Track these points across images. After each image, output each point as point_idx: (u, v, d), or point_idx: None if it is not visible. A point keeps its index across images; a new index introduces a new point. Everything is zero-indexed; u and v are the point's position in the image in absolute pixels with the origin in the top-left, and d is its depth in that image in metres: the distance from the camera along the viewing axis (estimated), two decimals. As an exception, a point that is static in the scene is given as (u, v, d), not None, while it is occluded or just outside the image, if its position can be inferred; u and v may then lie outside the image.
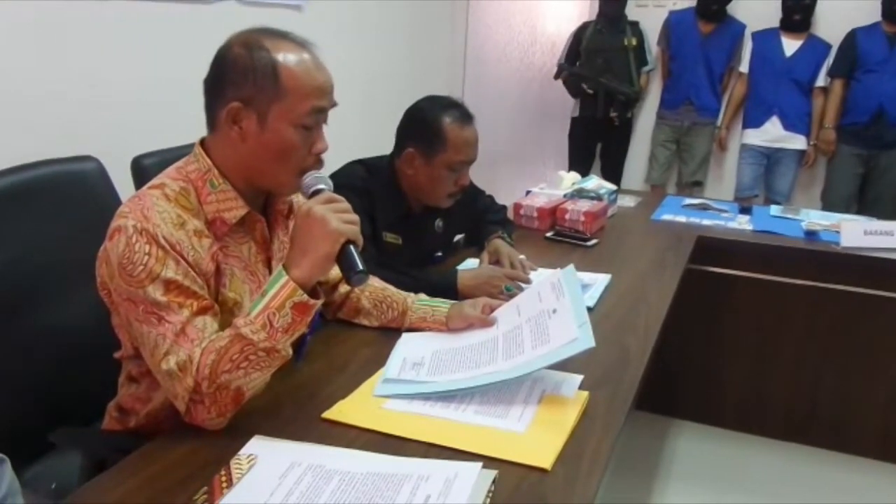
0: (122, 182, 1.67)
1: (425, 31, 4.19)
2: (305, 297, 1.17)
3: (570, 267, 1.57)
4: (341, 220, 1.20)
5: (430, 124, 1.94)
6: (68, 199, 1.56)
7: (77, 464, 1.36)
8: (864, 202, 4.40)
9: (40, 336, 1.44)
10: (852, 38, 4.37)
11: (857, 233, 2.61)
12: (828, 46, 4.48)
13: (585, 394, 1.35)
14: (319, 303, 1.21)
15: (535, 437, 1.21)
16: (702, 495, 2.56)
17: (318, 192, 1.26)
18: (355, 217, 1.23)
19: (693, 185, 4.89)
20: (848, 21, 4.40)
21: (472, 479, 1.07)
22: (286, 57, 1.23)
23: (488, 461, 1.13)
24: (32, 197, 1.49)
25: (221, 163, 1.28)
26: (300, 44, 1.27)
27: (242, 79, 1.23)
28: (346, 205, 1.24)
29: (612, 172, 4.70)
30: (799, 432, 2.86)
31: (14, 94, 2.04)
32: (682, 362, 2.90)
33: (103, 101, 2.28)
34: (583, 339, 1.32)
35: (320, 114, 1.28)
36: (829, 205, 4.30)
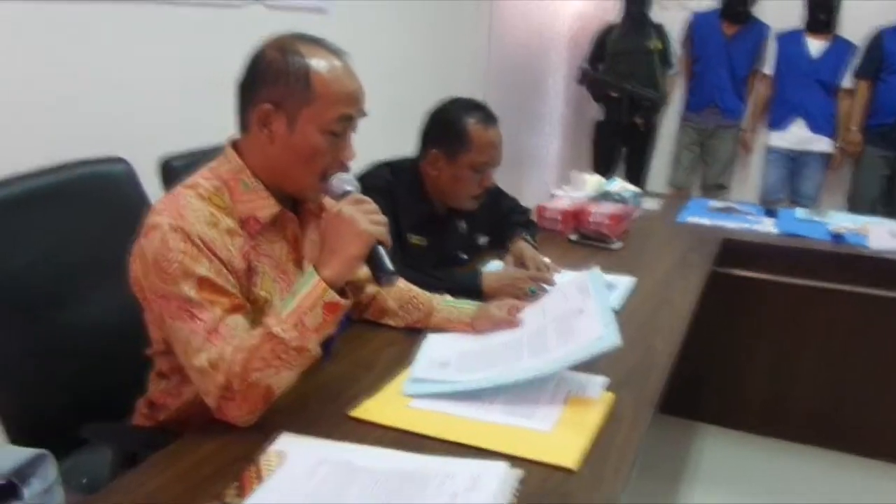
0: (150, 183, 1.69)
1: (448, 34, 4.20)
2: (336, 296, 1.19)
3: (597, 269, 1.58)
4: (370, 221, 1.22)
5: (453, 125, 1.96)
6: (98, 200, 1.59)
7: (106, 459, 1.38)
8: (892, 204, 4.35)
9: (70, 333, 1.46)
10: (878, 38, 4.32)
11: (884, 235, 2.58)
12: (854, 47, 4.44)
13: (611, 395, 1.36)
14: (349, 303, 1.22)
15: (561, 437, 1.22)
16: (726, 499, 2.54)
17: (346, 193, 1.28)
18: (383, 218, 1.26)
19: (717, 189, 4.85)
20: (874, 21, 4.36)
21: (498, 478, 1.07)
22: (319, 63, 1.26)
23: (514, 460, 1.13)
24: (63, 197, 1.52)
25: (251, 163, 1.30)
26: (334, 51, 1.30)
27: (275, 82, 1.25)
28: (374, 206, 1.26)
29: (636, 176, 4.68)
30: (824, 436, 2.83)
31: (45, 97, 2.07)
32: (707, 366, 2.88)
33: (131, 103, 2.31)
34: (609, 337, 1.32)
35: (349, 121, 1.29)
36: (855, 207, 4.25)
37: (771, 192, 4.70)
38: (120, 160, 1.66)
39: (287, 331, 1.15)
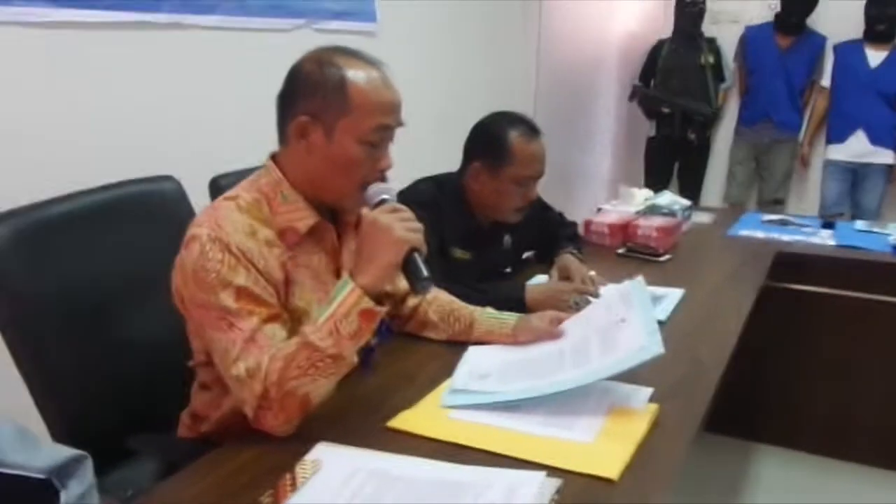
0: (199, 200, 1.73)
1: (497, 52, 4.22)
2: (371, 303, 1.19)
3: (639, 278, 1.56)
4: (406, 229, 1.22)
5: (496, 138, 1.95)
6: (148, 217, 1.62)
7: (151, 471, 1.40)
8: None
9: (119, 347, 1.49)
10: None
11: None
12: (916, 56, 4.31)
13: (655, 406, 1.32)
14: (385, 310, 1.22)
15: (603, 447, 1.19)
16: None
17: (382, 202, 1.29)
18: (419, 226, 1.25)
19: (774, 204, 4.74)
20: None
21: (536, 488, 1.06)
22: (356, 73, 1.27)
23: (554, 471, 1.11)
24: (115, 214, 1.56)
25: (291, 175, 1.31)
26: (370, 62, 1.31)
27: (312, 93, 1.27)
28: (409, 214, 1.26)
29: (691, 191, 4.60)
30: (889, 457, 2.71)
31: (105, 118, 2.16)
32: (763, 383, 2.79)
33: (187, 125, 2.38)
34: (652, 346, 1.30)
35: (386, 131, 1.30)
36: (921, 221, 4.10)
37: (831, 206, 4.56)
38: (169, 178, 1.70)
39: (323, 339, 1.16)
